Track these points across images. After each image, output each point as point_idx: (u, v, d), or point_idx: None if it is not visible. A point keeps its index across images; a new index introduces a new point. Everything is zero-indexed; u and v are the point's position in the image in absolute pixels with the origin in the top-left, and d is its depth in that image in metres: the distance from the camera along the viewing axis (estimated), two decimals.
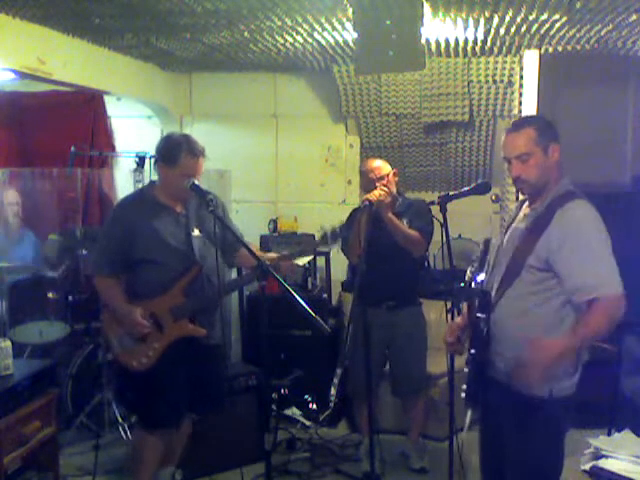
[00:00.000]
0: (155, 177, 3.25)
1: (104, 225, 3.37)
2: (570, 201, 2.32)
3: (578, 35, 3.90)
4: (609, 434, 4.12)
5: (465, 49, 4.42)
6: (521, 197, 2.64)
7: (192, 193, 3.09)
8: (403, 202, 3.84)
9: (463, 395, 2.45)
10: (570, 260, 2.26)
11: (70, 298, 4.45)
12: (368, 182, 3.72)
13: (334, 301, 5.18)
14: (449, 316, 2.72)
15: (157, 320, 3.06)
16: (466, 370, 2.45)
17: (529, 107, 4.51)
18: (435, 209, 2.79)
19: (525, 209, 2.51)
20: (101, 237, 3.31)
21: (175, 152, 3.05)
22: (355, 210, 3.97)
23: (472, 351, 2.43)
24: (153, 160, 3.18)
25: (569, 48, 4.22)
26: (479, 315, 2.37)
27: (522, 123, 2.43)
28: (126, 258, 3.09)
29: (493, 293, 2.43)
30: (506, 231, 2.55)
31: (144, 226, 3.07)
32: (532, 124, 2.38)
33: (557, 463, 2.45)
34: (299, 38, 4.02)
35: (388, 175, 3.71)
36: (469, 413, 2.61)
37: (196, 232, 3.16)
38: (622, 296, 2.25)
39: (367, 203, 3.48)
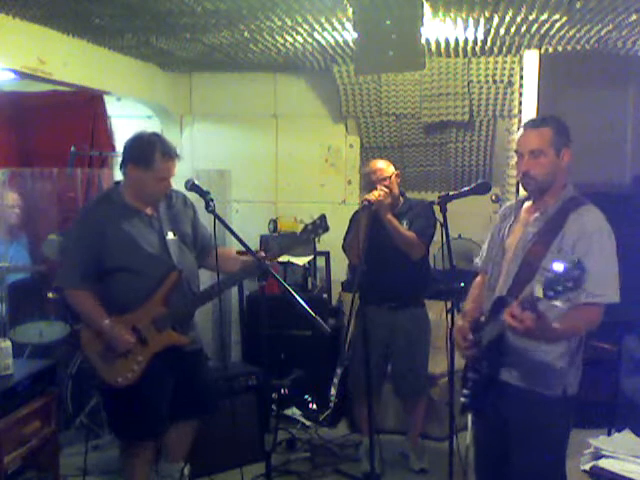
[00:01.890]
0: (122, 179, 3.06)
1: (70, 234, 3.12)
2: (582, 206, 2.36)
3: (578, 35, 3.90)
4: (609, 434, 4.13)
5: (465, 49, 4.42)
6: (521, 195, 2.64)
7: (164, 196, 3.00)
8: (405, 203, 3.84)
9: (462, 399, 2.46)
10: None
11: None
12: (369, 183, 3.72)
13: (334, 301, 5.18)
14: (449, 316, 2.72)
15: (139, 332, 2.93)
16: (471, 375, 2.45)
17: (529, 107, 4.51)
18: (435, 209, 2.79)
19: (528, 211, 2.51)
20: (69, 247, 3.09)
21: (149, 153, 2.89)
22: (357, 212, 3.98)
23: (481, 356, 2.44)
24: (114, 161, 3.04)
25: (569, 48, 4.22)
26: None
27: (542, 121, 2.45)
28: (98, 268, 2.91)
29: (499, 294, 2.43)
30: (508, 232, 2.54)
31: (115, 231, 2.90)
32: (551, 124, 2.41)
33: (564, 460, 2.49)
34: (299, 38, 4.02)
35: (390, 177, 3.71)
36: (469, 417, 2.62)
37: (170, 235, 3.03)
38: (604, 306, 2.30)
39: (366, 203, 3.48)
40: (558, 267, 1.94)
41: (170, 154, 2.94)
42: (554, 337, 2.29)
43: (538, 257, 2.31)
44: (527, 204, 2.53)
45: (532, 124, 2.44)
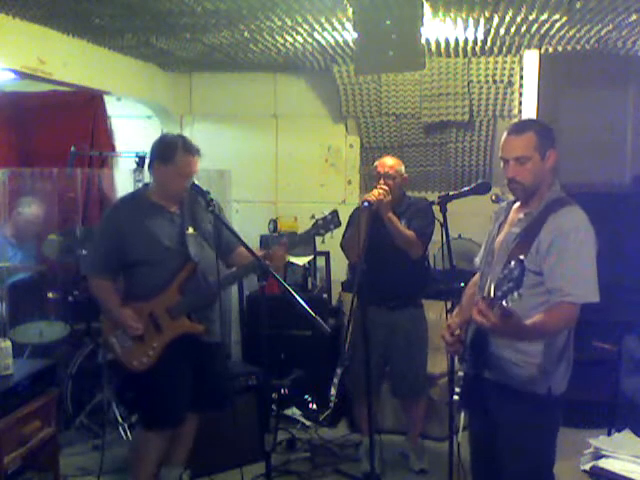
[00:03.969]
0: (150, 180, 3.26)
1: (98, 227, 3.40)
2: (563, 207, 2.37)
3: (578, 35, 3.90)
4: (609, 434, 4.13)
5: (465, 49, 4.42)
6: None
7: (187, 192, 3.10)
8: (404, 201, 3.84)
9: (456, 397, 2.47)
10: (554, 263, 2.30)
11: (70, 298, 4.45)
12: (373, 177, 3.73)
13: (334, 301, 5.18)
14: (449, 316, 2.72)
15: (155, 319, 3.08)
16: (461, 374, 2.47)
17: (529, 107, 4.51)
18: (435, 209, 2.79)
19: (516, 211, 2.53)
20: (96, 239, 3.35)
21: (171, 150, 3.06)
22: (356, 209, 3.97)
23: (467, 353, 2.46)
24: (148, 161, 3.20)
25: (569, 48, 4.22)
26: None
27: (524, 126, 2.45)
28: (121, 260, 3.10)
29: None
30: (497, 233, 2.56)
31: (138, 227, 3.09)
32: (533, 128, 2.41)
33: (552, 458, 2.50)
34: (299, 38, 4.02)
35: (396, 177, 3.70)
36: (462, 415, 2.63)
37: (190, 230, 3.17)
38: (579, 306, 2.29)
39: (366, 204, 3.47)
40: (507, 268, 1.97)
41: (191, 151, 3.10)
42: (523, 335, 2.28)
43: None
44: (516, 204, 2.56)
45: (515, 130, 2.44)
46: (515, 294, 1.95)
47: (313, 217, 3.21)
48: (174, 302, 3.08)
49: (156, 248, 3.08)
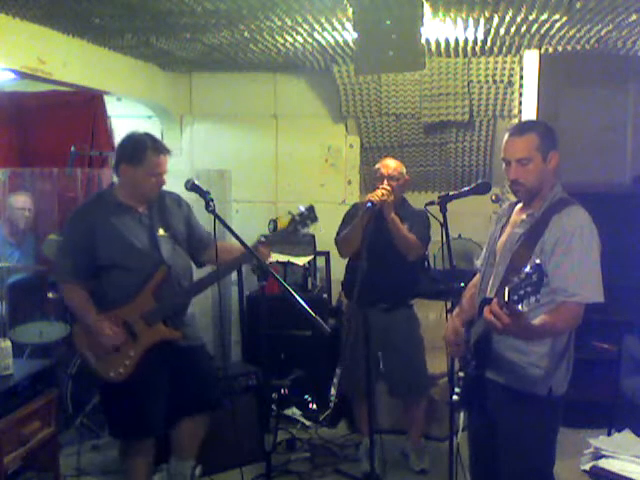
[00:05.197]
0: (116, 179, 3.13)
1: (65, 230, 3.21)
2: (566, 207, 2.38)
3: (578, 35, 3.90)
4: (609, 434, 4.13)
5: (465, 49, 4.42)
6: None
7: (157, 193, 3.04)
8: (405, 207, 3.83)
9: (456, 397, 2.47)
10: (559, 262, 2.31)
11: None
12: (375, 179, 3.72)
13: (334, 301, 5.17)
14: (449, 316, 2.72)
15: (130, 328, 2.96)
16: (461, 374, 2.47)
17: (529, 107, 4.51)
18: (435, 209, 2.79)
19: (518, 212, 2.54)
20: (62, 244, 3.20)
21: (139, 150, 2.96)
22: (354, 205, 3.96)
23: (469, 355, 2.46)
24: (113, 161, 3.06)
25: (569, 48, 4.22)
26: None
27: (526, 127, 2.46)
28: (90, 264, 2.97)
29: (489, 295, 2.44)
30: (500, 234, 2.57)
31: (105, 229, 2.97)
32: (535, 130, 2.42)
33: (552, 458, 2.50)
34: (299, 38, 4.02)
35: (400, 179, 3.70)
36: (462, 415, 2.63)
37: (161, 232, 3.07)
38: (584, 305, 2.30)
39: (370, 204, 3.47)
40: (523, 272, 1.96)
41: (160, 150, 3.00)
42: (532, 335, 2.29)
43: (523, 259, 2.32)
44: (519, 206, 2.57)
45: (517, 131, 2.44)
46: (532, 299, 1.95)
47: (290, 213, 3.14)
48: (148, 308, 2.96)
49: (127, 250, 2.96)
